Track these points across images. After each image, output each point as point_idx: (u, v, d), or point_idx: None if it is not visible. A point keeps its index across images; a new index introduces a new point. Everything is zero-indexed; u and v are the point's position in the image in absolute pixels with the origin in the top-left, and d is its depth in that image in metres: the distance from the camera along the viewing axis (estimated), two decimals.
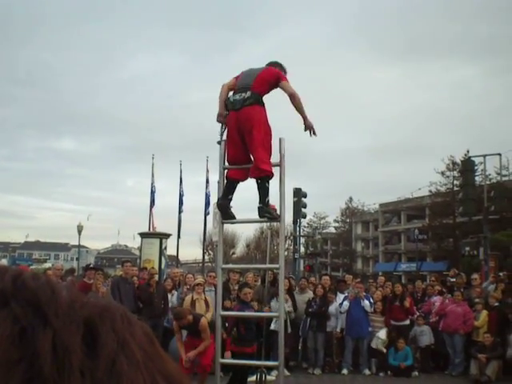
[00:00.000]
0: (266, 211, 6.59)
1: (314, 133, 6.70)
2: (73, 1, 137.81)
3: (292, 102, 6.56)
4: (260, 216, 6.73)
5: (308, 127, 6.65)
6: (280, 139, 6.65)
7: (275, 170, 6.62)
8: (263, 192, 6.56)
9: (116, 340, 0.51)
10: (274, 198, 6.76)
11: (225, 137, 6.94)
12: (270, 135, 6.56)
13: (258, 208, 6.62)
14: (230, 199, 6.76)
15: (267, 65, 7.01)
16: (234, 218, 6.92)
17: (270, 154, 6.57)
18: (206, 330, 9.43)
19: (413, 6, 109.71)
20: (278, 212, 6.68)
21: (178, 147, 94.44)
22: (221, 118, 6.85)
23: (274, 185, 6.69)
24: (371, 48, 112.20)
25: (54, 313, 0.50)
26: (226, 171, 6.85)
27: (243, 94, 6.52)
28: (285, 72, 6.96)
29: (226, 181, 6.81)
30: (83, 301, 0.54)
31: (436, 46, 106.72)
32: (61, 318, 0.49)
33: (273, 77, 6.65)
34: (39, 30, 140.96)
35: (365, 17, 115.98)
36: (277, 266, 7.41)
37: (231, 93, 6.76)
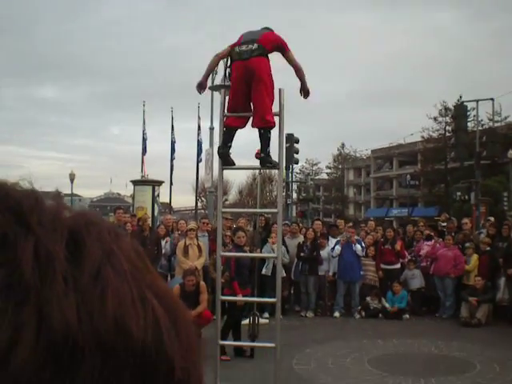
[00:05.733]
0: (268, 161, 6.76)
1: (308, 95, 6.93)
2: None
3: (296, 74, 6.78)
4: (262, 165, 6.95)
5: (305, 91, 6.88)
6: (280, 89, 6.70)
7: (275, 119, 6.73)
8: (266, 142, 6.69)
9: (102, 249, 0.48)
10: (272, 146, 6.88)
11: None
12: (273, 87, 6.67)
13: (261, 157, 6.77)
14: (230, 146, 6.85)
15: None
16: (233, 164, 7.02)
17: (272, 106, 6.68)
18: (206, 292, 9.79)
19: None
20: (276, 159, 6.79)
21: (166, 93, 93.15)
22: (201, 89, 6.96)
23: (273, 133, 6.80)
24: None
25: (37, 221, 0.47)
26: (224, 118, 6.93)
27: (250, 46, 6.60)
28: None
29: (224, 128, 6.87)
30: (69, 211, 0.52)
31: None
32: (44, 226, 0.47)
33: (277, 41, 6.75)
34: None
35: None
36: (275, 210, 7.57)
37: (236, 46, 6.76)
